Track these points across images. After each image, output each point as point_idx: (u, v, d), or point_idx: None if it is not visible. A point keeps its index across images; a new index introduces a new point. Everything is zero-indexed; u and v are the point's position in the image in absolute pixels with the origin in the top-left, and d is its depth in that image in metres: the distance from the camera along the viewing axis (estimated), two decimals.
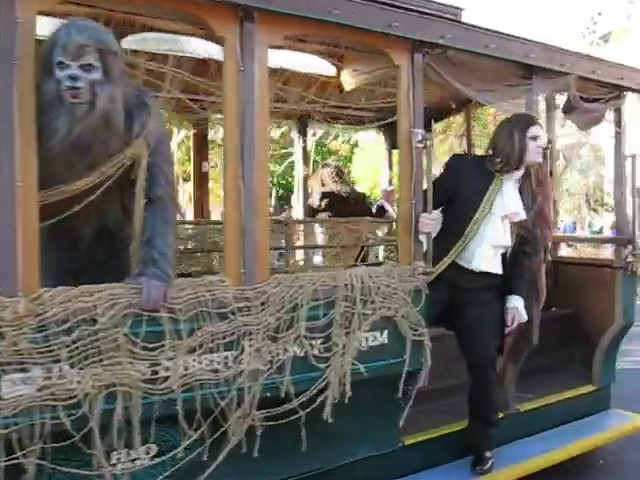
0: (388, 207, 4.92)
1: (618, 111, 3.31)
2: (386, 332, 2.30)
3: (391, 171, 4.97)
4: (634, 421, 3.37)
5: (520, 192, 2.52)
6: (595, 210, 16.60)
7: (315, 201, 4.82)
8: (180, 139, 4.08)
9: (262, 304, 1.99)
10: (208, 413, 1.90)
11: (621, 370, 3.80)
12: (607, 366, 3.47)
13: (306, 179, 4.39)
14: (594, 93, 3.22)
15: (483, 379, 2.57)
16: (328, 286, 2.14)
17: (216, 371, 1.91)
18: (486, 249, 2.49)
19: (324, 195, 4.78)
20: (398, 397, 2.39)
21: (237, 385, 1.94)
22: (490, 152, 2.57)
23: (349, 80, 3.93)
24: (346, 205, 4.70)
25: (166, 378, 1.82)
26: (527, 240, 2.58)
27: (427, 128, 2.50)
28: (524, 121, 2.50)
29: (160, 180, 1.87)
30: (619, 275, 3.36)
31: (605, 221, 15.71)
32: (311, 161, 4.74)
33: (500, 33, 2.57)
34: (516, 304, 2.56)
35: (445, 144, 4.78)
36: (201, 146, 3.94)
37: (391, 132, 4.85)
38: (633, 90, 3.26)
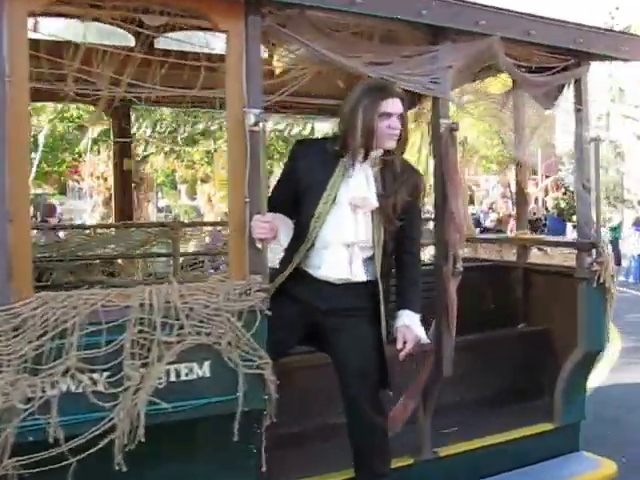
0: None
1: (578, 83, 2.70)
2: (208, 363, 1.89)
3: None
4: (604, 468, 2.76)
5: (382, 176, 2.03)
6: (615, 206, 15.41)
7: None
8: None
9: (15, 329, 1.65)
10: None
11: None
12: (571, 401, 2.86)
13: None
14: (545, 61, 2.64)
15: (360, 420, 2.09)
16: (116, 306, 1.77)
17: None
18: (337, 250, 2.00)
19: None
20: (246, 441, 1.98)
21: None
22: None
23: (278, 64, 3.52)
24: None
25: None
26: (406, 237, 2.08)
27: None
28: (375, 91, 1.98)
29: None
30: (582, 287, 2.74)
31: (624, 217, 14.92)
32: None
33: None
34: (407, 321, 2.06)
35: (417, 132, 4.25)
36: (123, 143, 3.65)
37: None
38: (595, 56, 2.65)
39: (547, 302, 3.17)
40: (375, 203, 2.00)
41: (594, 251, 2.68)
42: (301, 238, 2.01)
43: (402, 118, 2.00)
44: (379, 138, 1.97)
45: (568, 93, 2.82)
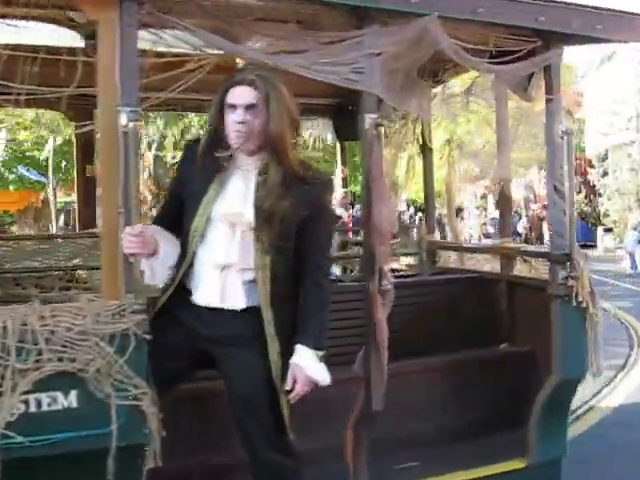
0: (341, 213, 4.15)
1: (549, 70, 2.34)
2: (75, 393, 1.69)
3: (345, 169, 4.22)
4: None
5: (268, 187, 1.73)
6: None
7: None
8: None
9: None
10: None
11: None
12: (549, 434, 2.50)
13: None
14: (507, 44, 2.31)
15: (255, 457, 1.83)
16: None
17: None
18: (209, 273, 1.76)
19: None
20: (127, 479, 1.77)
21: None
22: None
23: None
24: None
25: None
26: (306, 259, 1.79)
27: None
28: (231, 78, 1.72)
29: None
30: (556, 305, 2.38)
31: None
32: None
33: None
34: (296, 359, 1.76)
35: (401, 133, 3.94)
36: (86, 147, 3.55)
37: (341, 120, 4.13)
38: (567, 37, 2.29)
39: (532, 320, 2.80)
40: (248, 220, 1.72)
41: (568, 264, 2.31)
42: (184, 255, 1.79)
43: (255, 110, 1.69)
44: (229, 135, 1.72)
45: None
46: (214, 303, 1.76)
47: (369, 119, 2.00)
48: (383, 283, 1.99)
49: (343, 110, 4.04)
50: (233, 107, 1.70)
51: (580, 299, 2.31)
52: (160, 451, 1.77)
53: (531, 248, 2.79)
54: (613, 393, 4.56)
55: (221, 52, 1.89)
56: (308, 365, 1.75)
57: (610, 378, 4.84)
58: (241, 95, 1.69)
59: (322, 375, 1.77)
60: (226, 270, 1.74)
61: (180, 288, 1.82)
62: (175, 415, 2.00)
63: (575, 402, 4.04)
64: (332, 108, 4.13)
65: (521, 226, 10.50)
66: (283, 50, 1.98)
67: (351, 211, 13.01)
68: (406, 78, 2.25)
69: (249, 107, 1.69)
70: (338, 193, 4.22)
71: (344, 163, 4.20)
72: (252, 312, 1.75)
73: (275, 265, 1.73)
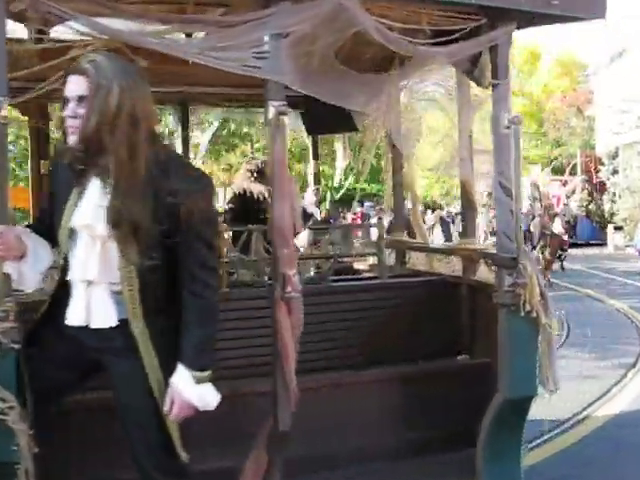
0: (313, 210, 3.96)
1: (495, 51, 2.11)
2: None
3: (317, 164, 4.03)
4: None
5: (122, 192, 1.55)
6: None
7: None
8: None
9: None
10: None
11: None
12: (499, 457, 2.26)
13: None
14: (448, 23, 2.09)
15: (141, 473, 1.67)
16: None
17: None
18: (77, 287, 1.62)
19: (233, 196, 4.07)
20: None
21: None
22: None
23: None
24: (252, 207, 3.91)
25: None
26: (184, 269, 1.60)
27: None
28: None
29: None
30: (503, 315, 2.15)
31: None
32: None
33: None
34: (175, 380, 1.58)
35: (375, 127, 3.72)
36: (40, 144, 3.47)
37: (312, 113, 3.93)
38: (516, 14, 2.06)
39: (491, 328, 2.55)
40: (101, 231, 1.55)
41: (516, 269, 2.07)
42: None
43: (86, 101, 1.49)
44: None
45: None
46: (80, 321, 1.61)
47: (272, 107, 1.82)
48: (287, 290, 1.79)
49: (317, 101, 3.85)
50: (67, 101, 1.53)
51: (529, 308, 2.08)
52: (34, 469, 1.64)
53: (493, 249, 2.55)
54: (623, 392, 4.38)
55: (105, 37, 1.72)
56: (185, 389, 1.57)
57: (620, 376, 4.68)
58: (72, 86, 1.52)
59: (203, 400, 1.59)
60: (92, 285, 1.59)
61: (64, 295, 1.69)
62: (66, 429, 1.88)
63: (583, 401, 3.89)
64: (303, 100, 3.93)
65: (533, 225, 10.18)
66: (176, 33, 1.82)
67: (358, 208, 12.68)
68: (323, 64, 2.05)
69: (81, 99, 1.50)
70: (309, 190, 4.04)
71: (315, 158, 4.01)
72: (126, 324, 1.59)
73: (143, 275, 1.56)
